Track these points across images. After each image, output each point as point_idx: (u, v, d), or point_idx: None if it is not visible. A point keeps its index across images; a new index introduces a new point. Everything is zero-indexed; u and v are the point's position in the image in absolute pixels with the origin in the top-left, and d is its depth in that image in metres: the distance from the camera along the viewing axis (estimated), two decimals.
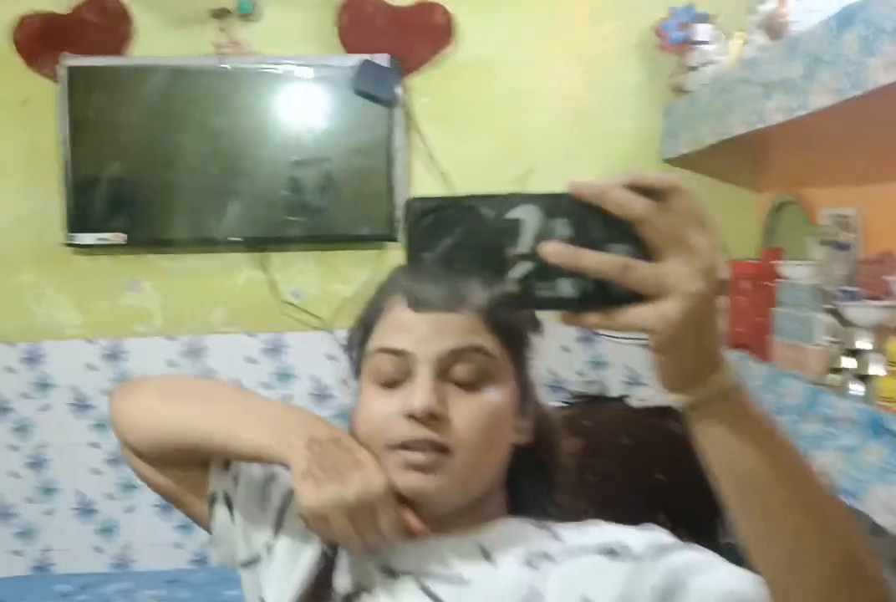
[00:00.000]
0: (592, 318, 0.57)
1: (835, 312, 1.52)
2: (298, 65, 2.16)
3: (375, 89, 2.13)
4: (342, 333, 2.63)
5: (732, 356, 1.87)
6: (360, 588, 0.82)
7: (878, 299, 1.48)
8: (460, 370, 0.79)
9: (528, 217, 0.57)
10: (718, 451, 0.60)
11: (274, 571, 0.87)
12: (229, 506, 0.89)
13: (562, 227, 0.57)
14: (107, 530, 2.29)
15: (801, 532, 0.61)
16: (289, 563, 0.86)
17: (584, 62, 2.22)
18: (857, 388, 1.39)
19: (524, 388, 0.83)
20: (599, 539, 0.78)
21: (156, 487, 0.93)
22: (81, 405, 2.26)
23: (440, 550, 0.81)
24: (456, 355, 0.79)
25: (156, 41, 2.19)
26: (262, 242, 2.25)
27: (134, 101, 2.15)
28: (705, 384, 0.58)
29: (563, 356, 2.23)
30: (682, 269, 0.55)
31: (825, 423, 1.42)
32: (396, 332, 0.81)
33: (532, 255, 0.57)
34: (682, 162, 2.08)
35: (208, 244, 2.25)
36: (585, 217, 0.56)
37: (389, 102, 2.14)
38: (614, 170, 2.32)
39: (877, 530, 1.26)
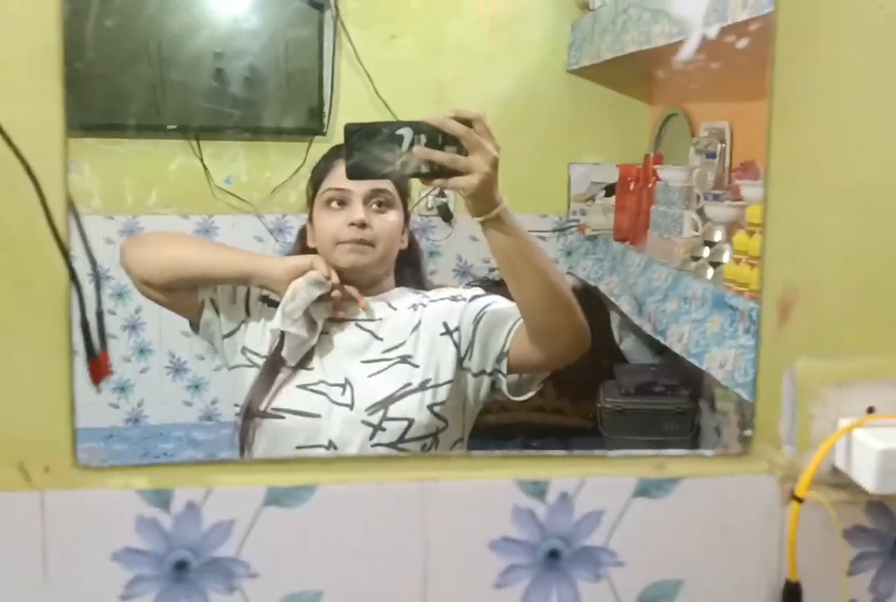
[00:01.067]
0: (438, 182, 1.12)
1: (700, 211, 1.80)
2: None
3: None
4: (271, 218, 2.89)
5: (618, 247, 2.16)
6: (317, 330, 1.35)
7: (739, 200, 1.77)
8: (375, 201, 1.38)
9: (406, 133, 1.08)
10: (500, 241, 1.16)
11: (252, 331, 1.40)
12: (213, 303, 1.39)
13: (423, 138, 1.08)
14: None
15: (536, 283, 1.19)
16: (260, 324, 1.40)
17: None
18: (710, 273, 1.68)
19: (405, 217, 1.43)
20: (448, 294, 1.42)
21: (160, 303, 1.39)
22: None
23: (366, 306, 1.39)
24: (373, 192, 1.37)
25: None
26: (195, 130, 2.41)
27: None
28: (490, 211, 1.13)
29: (470, 244, 2.49)
30: (480, 160, 1.09)
31: (683, 301, 1.72)
32: (340, 180, 1.31)
33: (408, 152, 1.08)
34: (585, 73, 2.31)
35: (144, 130, 2.40)
36: (435, 133, 1.09)
37: (319, 4, 2.31)
38: (525, 77, 2.55)
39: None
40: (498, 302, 1.36)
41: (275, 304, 1.37)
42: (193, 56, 2.30)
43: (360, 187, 1.36)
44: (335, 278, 1.35)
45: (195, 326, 1.42)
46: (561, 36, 2.40)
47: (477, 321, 1.34)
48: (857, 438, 0.79)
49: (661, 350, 2.15)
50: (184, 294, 1.38)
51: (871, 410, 0.83)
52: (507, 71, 2.38)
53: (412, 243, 1.49)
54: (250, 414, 1.33)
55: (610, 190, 2.27)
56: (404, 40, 2.39)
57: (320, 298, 1.34)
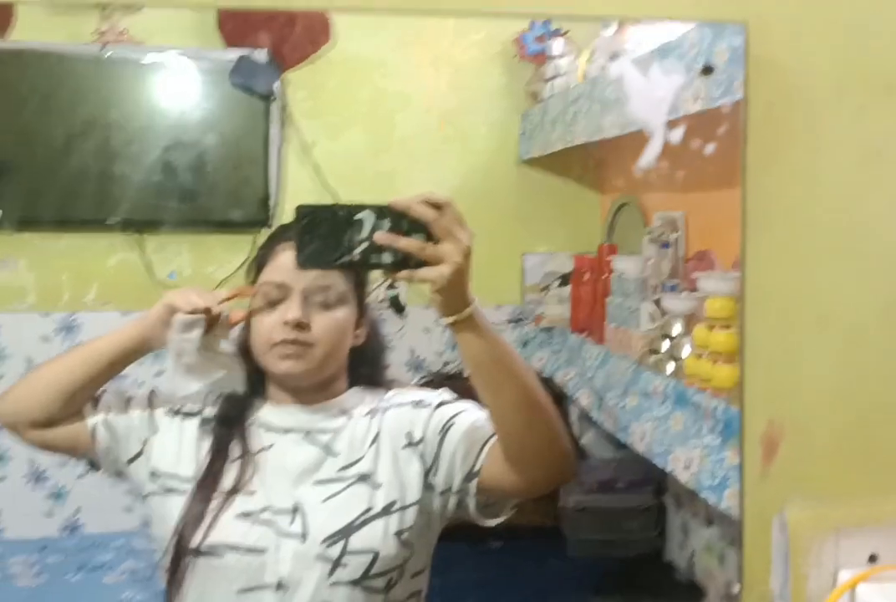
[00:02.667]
0: (403, 274, 0.96)
1: (658, 302, 1.75)
2: (178, 55, 2.26)
3: (251, 82, 2.25)
4: None
5: (575, 339, 2.09)
6: (254, 447, 1.18)
7: (695, 291, 1.72)
8: (318, 297, 1.17)
9: (367, 217, 0.95)
10: (468, 348, 1.01)
11: (161, 450, 1.20)
12: (107, 426, 1.20)
13: (386, 223, 0.95)
14: None
15: (512, 395, 1.04)
16: (174, 441, 1.20)
17: (450, 67, 2.40)
18: (670, 368, 1.62)
19: (361, 311, 1.24)
20: (409, 398, 1.23)
21: (50, 447, 1.22)
22: None
23: (316, 412, 1.21)
24: (316, 288, 1.17)
25: (37, 27, 2.25)
26: (137, 225, 2.34)
27: (10, 84, 2.21)
28: (462, 310, 0.98)
29: (423, 337, 2.41)
30: (451, 249, 0.95)
31: (644, 397, 1.65)
32: (280, 271, 1.18)
33: (369, 239, 0.95)
34: (537, 163, 2.29)
35: (83, 224, 2.32)
36: (400, 218, 0.95)
37: (265, 95, 2.27)
38: (476, 168, 2.53)
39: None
40: (469, 411, 1.18)
41: (191, 416, 1.21)
42: (140, 150, 2.24)
43: (301, 281, 1.16)
44: (207, 300, 1.13)
45: (95, 464, 1.22)
46: (511, 126, 2.38)
47: (444, 433, 1.16)
48: (861, 597, 0.70)
49: (622, 444, 2.08)
50: (72, 422, 1.18)
51: (872, 559, 0.74)
52: (458, 161, 2.35)
53: (371, 337, 1.28)
54: (180, 551, 1.12)
55: (565, 279, 2.22)
56: (353, 131, 2.36)
57: (208, 330, 1.15)
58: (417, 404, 1.21)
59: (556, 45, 2.20)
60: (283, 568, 1.10)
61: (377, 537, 1.12)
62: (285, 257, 1.15)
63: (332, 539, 1.11)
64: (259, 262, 1.21)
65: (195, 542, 1.11)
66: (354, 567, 1.10)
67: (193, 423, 1.21)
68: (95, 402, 1.21)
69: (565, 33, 2.27)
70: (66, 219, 2.31)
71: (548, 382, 2.12)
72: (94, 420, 1.19)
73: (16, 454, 2.33)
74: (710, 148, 1.62)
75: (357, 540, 1.11)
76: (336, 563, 1.10)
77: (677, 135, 1.22)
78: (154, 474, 1.19)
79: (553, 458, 1.09)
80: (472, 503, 1.15)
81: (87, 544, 2.28)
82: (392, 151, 2.36)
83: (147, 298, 2.30)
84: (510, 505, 1.17)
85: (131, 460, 1.20)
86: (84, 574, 2.17)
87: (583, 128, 1.83)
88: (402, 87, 2.38)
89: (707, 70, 1.29)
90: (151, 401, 1.22)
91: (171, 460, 1.19)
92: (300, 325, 1.15)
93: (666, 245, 1.91)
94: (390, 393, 1.26)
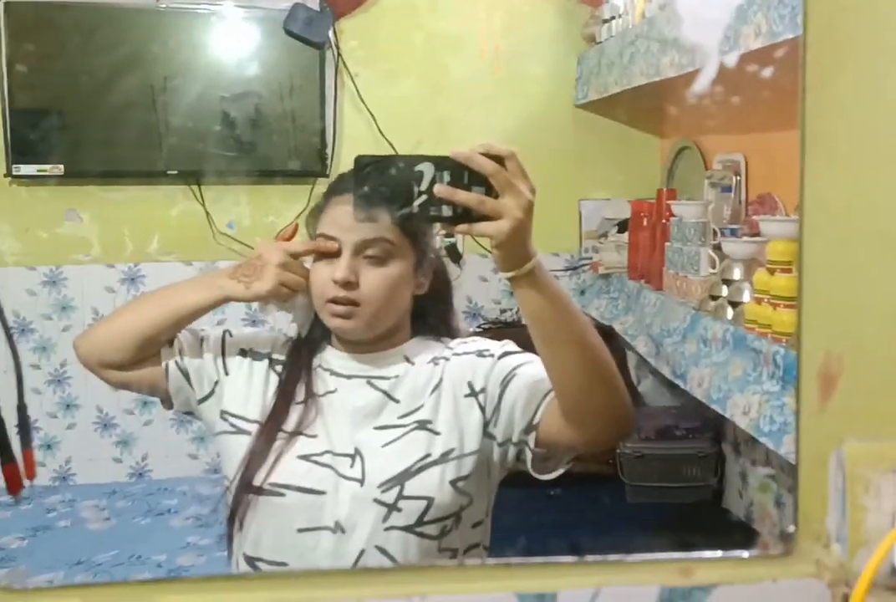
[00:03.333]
0: (462, 228, 0.94)
1: (717, 247, 1.72)
2: (233, 5, 2.25)
3: (306, 31, 2.24)
4: None
5: (633, 286, 2.07)
6: (318, 391, 1.19)
7: (756, 235, 1.68)
8: (370, 252, 1.15)
9: (427, 169, 0.92)
10: (527, 303, 0.98)
11: (231, 392, 1.21)
12: (179, 366, 1.21)
13: (446, 175, 0.92)
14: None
15: (571, 353, 1.02)
16: (244, 383, 1.21)
17: (504, 10, 2.35)
18: (729, 313, 1.59)
19: (420, 260, 1.20)
20: (475, 347, 1.20)
21: (126, 386, 1.24)
22: (20, 329, 2.37)
23: (378, 360, 1.20)
24: (366, 243, 1.14)
25: None
26: (197, 175, 2.36)
27: (71, 37, 2.23)
28: (522, 266, 0.95)
29: (480, 285, 2.41)
30: (511, 203, 0.92)
31: (702, 343, 1.63)
32: (333, 225, 1.15)
33: (428, 191, 0.92)
34: (593, 107, 2.25)
35: (145, 176, 2.35)
36: (460, 170, 0.92)
37: (320, 44, 2.26)
38: (531, 113, 2.49)
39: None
40: (532, 363, 1.14)
41: (260, 357, 1.23)
42: (199, 101, 2.26)
43: (352, 236, 1.14)
44: (308, 246, 1.16)
45: (167, 401, 1.24)
46: (567, 70, 2.34)
47: (505, 383, 1.14)
48: None
49: (680, 390, 2.06)
50: (149, 363, 1.20)
51: None
52: (513, 106, 2.32)
53: (435, 286, 1.24)
54: (243, 489, 1.14)
55: (623, 226, 2.19)
56: (407, 78, 2.34)
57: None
58: (481, 354, 1.19)
59: None
60: (341, 510, 1.12)
61: (433, 484, 1.12)
62: (340, 211, 1.14)
63: (388, 484, 1.11)
64: (317, 213, 1.20)
65: (258, 480, 1.13)
66: (409, 512, 1.11)
67: (262, 365, 1.22)
68: (170, 342, 1.22)
69: None
70: (127, 171, 2.34)
71: (606, 330, 2.11)
72: (168, 360, 1.21)
73: (85, 402, 2.40)
74: (771, 87, 1.57)
75: (412, 486, 1.12)
76: (391, 508, 1.11)
77: (732, 59, 1.18)
78: (224, 414, 1.20)
79: (611, 416, 1.06)
80: (529, 456, 1.13)
81: (153, 489, 2.35)
82: (446, 97, 2.34)
83: (207, 248, 2.36)
84: (567, 459, 1.15)
85: (202, 400, 1.22)
86: (151, 518, 2.24)
87: (640, 69, 1.79)
88: (456, 31, 2.34)
89: None
90: (224, 342, 1.23)
91: (241, 401, 1.21)
92: (348, 284, 1.13)
93: (727, 189, 1.87)
94: (455, 341, 1.24)
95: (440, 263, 1.28)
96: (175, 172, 2.34)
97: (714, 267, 1.71)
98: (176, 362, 1.21)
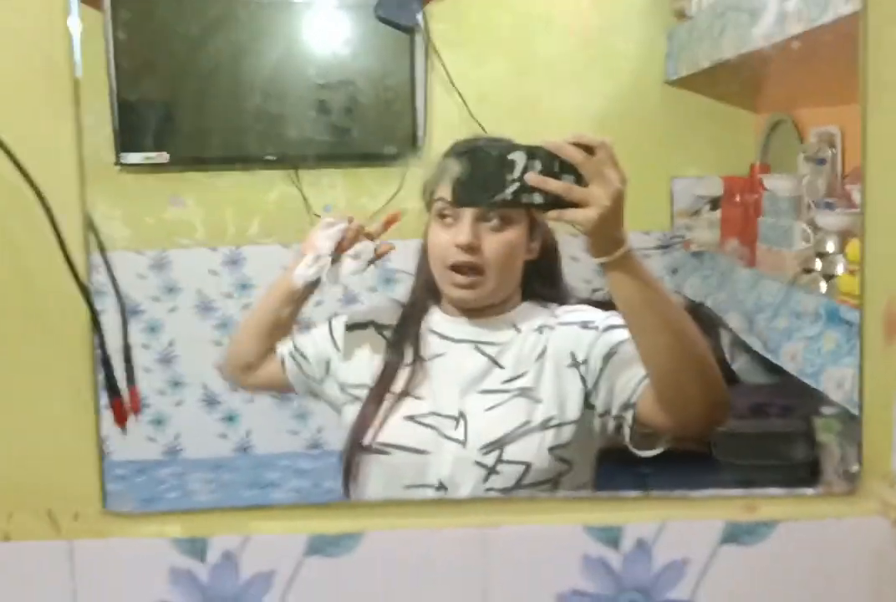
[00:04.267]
0: (552, 214, 0.97)
1: (811, 221, 1.69)
2: None
3: (396, 15, 2.27)
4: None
5: (725, 262, 2.05)
6: (426, 354, 1.26)
7: (852, 208, 1.65)
8: (489, 218, 1.20)
9: (519, 158, 0.96)
10: (618, 290, 1.01)
11: (346, 366, 1.29)
12: (293, 355, 1.32)
13: (537, 164, 0.96)
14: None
15: (663, 340, 1.02)
16: (356, 354, 1.29)
17: None
18: (823, 287, 1.57)
19: (532, 226, 1.25)
20: (580, 317, 1.24)
21: (260, 387, 1.40)
22: (132, 311, 2.48)
23: (487, 325, 1.25)
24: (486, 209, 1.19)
25: None
26: (294, 160, 2.43)
27: (176, 32, 2.31)
28: (613, 252, 0.98)
29: (571, 265, 2.41)
30: (599, 192, 0.94)
31: (795, 317, 1.61)
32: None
33: (520, 179, 0.96)
34: (684, 83, 2.22)
35: (244, 162, 2.43)
36: (552, 159, 0.96)
37: (410, 28, 2.29)
38: (621, 90, 2.48)
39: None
40: None
41: (369, 326, 1.30)
42: (296, 90, 2.32)
43: None
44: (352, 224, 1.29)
45: (289, 387, 1.35)
46: (657, 46, 2.31)
47: (607, 359, 1.17)
48: None
49: (775, 369, 2.03)
50: (270, 358, 1.32)
51: None
52: (602, 83, 2.30)
53: (545, 251, 1.31)
54: (354, 448, 1.23)
55: (715, 204, 2.16)
56: (496, 58, 2.35)
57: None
58: (585, 325, 1.22)
59: None
60: (444, 470, 1.17)
61: (531, 450, 1.15)
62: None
63: (488, 447, 1.16)
64: (433, 179, 1.27)
65: (367, 440, 1.21)
66: (507, 476, 1.15)
67: (370, 332, 1.30)
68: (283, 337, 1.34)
69: None
70: (228, 157, 2.43)
71: (699, 308, 2.09)
72: (282, 350, 1.32)
73: (191, 380, 2.50)
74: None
75: (511, 451, 1.15)
76: (490, 471, 1.15)
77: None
78: (343, 387, 1.29)
79: (703, 403, 1.06)
80: (628, 432, 1.16)
81: (256, 464, 2.44)
82: (535, 76, 2.34)
83: (305, 231, 2.41)
84: (667, 438, 1.16)
85: (321, 381, 1.31)
86: (256, 491, 2.32)
87: (731, 41, 1.77)
88: (544, 10, 2.34)
89: None
90: (330, 322, 1.33)
91: (355, 372, 1.28)
92: (471, 248, 1.19)
93: (822, 161, 1.83)
94: (562, 309, 1.28)
95: (549, 229, 1.33)
96: (273, 158, 2.41)
97: (808, 241, 1.68)
98: (292, 349, 1.31)
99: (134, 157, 2.34)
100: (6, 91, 0.67)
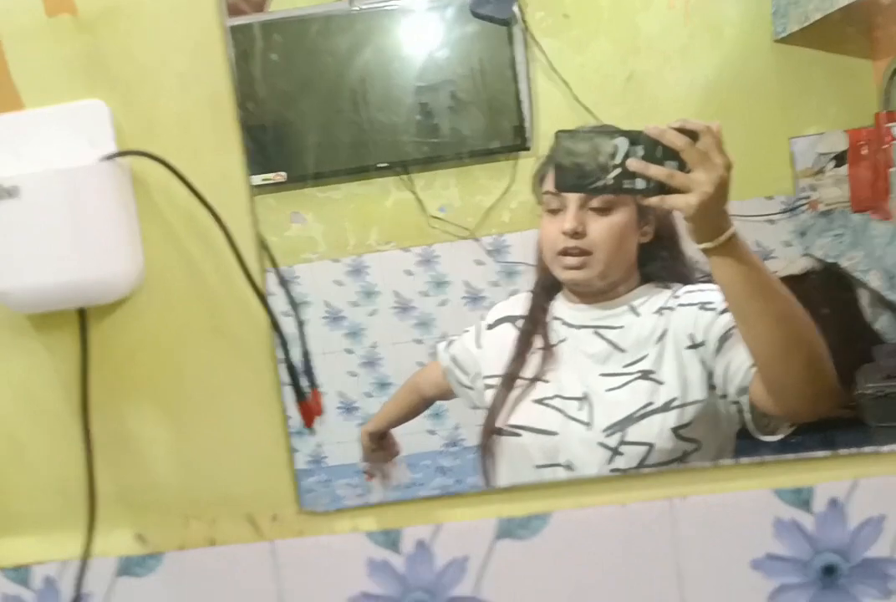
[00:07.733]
0: (653, 200, 1.01)
1: None
2: None
3: (492, 10, 2.27)
4: (488, 240, 2.89)
5: (858, 219, 1.97)
6: (552, 340, 1.31)
7: None
8: (594, 203, 1.26)
9: (621, 144, 0.99)
10: (726, 276, 1.01)
11: (487, 361, 1.39)
12: (449, 368, 1.43)
13: (639, 150, 1.00)
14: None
15: (768, 328, 1.02)
16: (495, 349, 1.38)
17: None
18: None
19: (643, 209, 1.27)
20: (699, 298, 1.25)
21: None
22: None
23: (605, 310, 1.29)
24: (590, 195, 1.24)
25: None
26: (405, 165, 2.46)
27: (274, 51, 2.38)
28: (715, 238, 1.00)
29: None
30: (702, 178, 0.97)
31: None
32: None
33: (622, 165, 1.00)
34: (795, 40, 2.15)
35: (357, 172, 2.48)
36: (654, 145, 0.99)
37: (506, 21, 2.29)
38: (729, 56, 2.43)
39: None
40: None
41: (504, 320, 1.35)
42: (398, 95, 2.35)
43: None
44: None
45: (448, 395, 1.48)
46: (762, 6, 2.24)
47: (722, 341, 1.19)
48: None
49: None
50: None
51: None
52: (709, 53, 2.26)
53: (662, 233, 1.32)
54: (489, 431, 1.29)
55: (840, 159, 2.09)
56: (597, 41, 2.33)
57: None
58: (703, 306, 1.23)
59: None
60: (571, 450, 1.22)
61: (653, 431, 1.20)
62: None
63: (611, 429, 1.21)
64: (541, 174, 1.36)
65: (500, 422, 1.30)
66: (630, 457, 1.18)
67: (505, 327, 1.33)
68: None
69: None
70: (341, 170, 2.48)
71: (832, 267, 2.02)
72: (445, 363, 1.44)
73: (328, 389, 2.56)
74: None
75: (634, 432, 1.21)
76: (614, 452, 1.19)
77: None
78: (485, 380, 1.37)
79: (810, 391, 1.06)
80: (747, 417, 1.18)
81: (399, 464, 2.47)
82: (640, 55, 2.31)
83: (422, 234, 2.46)
84: (786, 423, 1.17)
85: (468, 385, 1.42)
86: (399, 492, 2.36)
87: None
88: None
89: None
90: (477, 326, 1.44)
91: (493, 363, 1.37)
92: (576, 234, 1.25)
93: None
94: (682, 289, 1.30)
95: (665, 211, 1.29)
96: (385, 165, 2.45)
97: None
98: (450, 362, 1.42)
99: (254, 180, 2.40)
100: (177, 126, 0.71)
